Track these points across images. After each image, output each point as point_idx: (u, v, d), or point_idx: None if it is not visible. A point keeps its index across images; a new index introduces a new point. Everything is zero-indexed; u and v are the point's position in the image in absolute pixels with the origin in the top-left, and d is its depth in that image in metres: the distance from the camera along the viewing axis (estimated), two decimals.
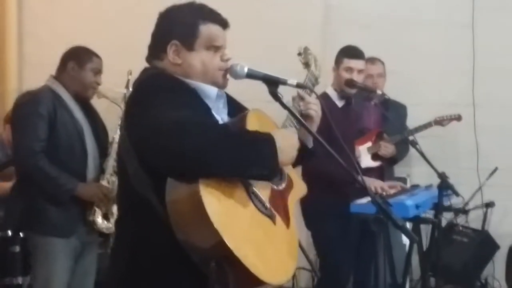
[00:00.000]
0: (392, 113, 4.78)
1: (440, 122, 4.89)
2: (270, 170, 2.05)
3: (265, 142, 2.05)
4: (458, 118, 4.92)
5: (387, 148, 4.69)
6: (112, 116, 3.96)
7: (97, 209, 3.56)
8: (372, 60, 4.79)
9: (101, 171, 3.62)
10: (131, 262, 2.13)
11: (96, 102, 3.85)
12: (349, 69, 4.06)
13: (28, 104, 3.50)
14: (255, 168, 2.00)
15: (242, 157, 1.98)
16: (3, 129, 4.82)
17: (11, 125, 3.72)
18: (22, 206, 3.52)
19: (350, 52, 4.11)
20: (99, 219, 3.57)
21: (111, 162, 3.64)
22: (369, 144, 4.75)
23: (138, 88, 2.18)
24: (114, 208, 3.60)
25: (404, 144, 4.75)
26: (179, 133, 1.93)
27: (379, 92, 4.38)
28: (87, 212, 3.54)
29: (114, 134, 3.75)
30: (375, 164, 4.66)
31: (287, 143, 2.11)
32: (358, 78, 4.07)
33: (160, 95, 2.06)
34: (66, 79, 3.58)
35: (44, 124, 3.44)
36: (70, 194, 3.44)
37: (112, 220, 3.60)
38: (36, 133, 3.43)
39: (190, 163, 1.92)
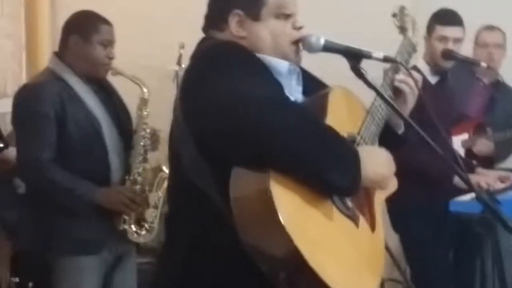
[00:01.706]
0: (502, 101, 4.71)
1: None
2: (351, 183, 2.01)
3: (350, 149, 2.05)
4: None
5: (484, 146, 4.59)
6: (131, 100, 3.77)
7: (126, 217, 3.48)
8: (490, 28, 4.74)
9: (126, 169, 3.54)
10: (187, 266, 2.13)
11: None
12: (444, 38, 4.02)
13: (29, 102, 3.40)
14: (336, 173, 1.97)
15: (325, 155, 1.97)
16: None
17: (13, 128, 3.61)
18: (34, 223, 3.46)
19: (444, 17, 4.06)
20: (132, 228, 3.52)
21: (137, 158, 3.55)
22: (465, 136, 4.66)
23: (200, 59, 2.17)
24: (148, 213, 3.58)
25: (508, 143, 4.66)
26: (253, 106, 1.92)
27: (483, 65, 4.29)
28: (116, 221, 3.47)
29: (137, 122, 3.63)
30: None
31: (373, 158, 2.10)
32: (454, 48, 4.02)
33: (228, 66, 2.05)
34: (70, 58, 3.45)
35: (51, 125, 3.33)
36: (91, 204, 3.36)
37: (147, 226, 3.58)
38: (42, 138, 3.34)
39: (262, 145, 1.91)
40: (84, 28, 3.45)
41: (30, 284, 4.31)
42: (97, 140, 3.42)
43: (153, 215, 3.60)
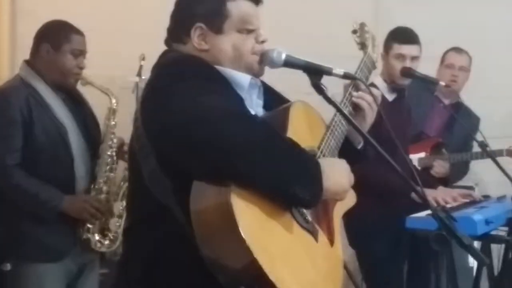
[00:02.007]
0: (461, 122, 4.78)
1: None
2: (313, 195, 2.04)
3: (312, 161, 2.07)
4: None
5: (440, 167, 4.65)
6: (100, 109, 3.78)
7: (90, 226, 3.49)
8: (458, 50, 4.86)
9: (92, 178, 3.55)
10: (145, 279, 2.13)
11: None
12: (401, 56, 4.05)
13: None
14: (297, 187, 1.99)
15: (287, 169, 1.98)
16: None
17: None
18: (1, 230, 3.44)
19: (401, 35, 4.09)
20: (95, 237, 3.51)
21: (103, 167, 3.57)
22: (422, 154, 4.73)
23: (161, 72, 2.18)
24: (112, 222, 3.59)
25: (464, 165, 4.74)
26: (213, 120, 1.93)
27: (441, 83, 4.34)
28: (79, 229, 3.48)
29: (105, 131, 3.67)
30: None
31: (334, 170, 2.13)
32: (411, 66, 4.05)
33: (188, 80, 2.06)
34: (41, 66, 3.47)
35: (17, 130, 3.34)
36: (55, 211, 3.36)
37: (111, 236, 3.58)
38: (8, 143, 3.33)
39: (223, 159, 1.92)
40: (55, 37, 3.47)
41: None
42: (63, 147, 3.43)
43: (117, 225, 3.61)
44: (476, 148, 4.74)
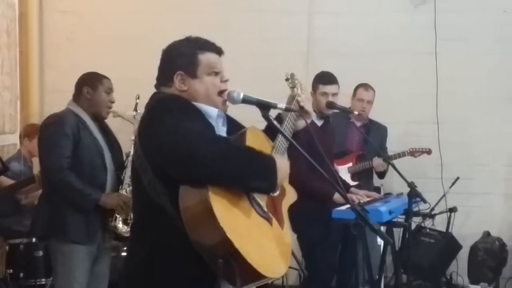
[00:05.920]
0: (373, 134, 4.90)
1: (412, 153, 4.98)
2: (271, 184, 2.11)
3: (269, 159, 2.12)
4: (429, 152, 5.03)
5: (380, 166, 4.82)
6: (124, 133, 3.88)
7: (118, 216, 3.49)
8: (366, 87, 4.91)
9: (118, 182, 3.55)
10: (147, 260, 2.13)
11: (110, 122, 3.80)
12: (325, 94, 4.05)
13: (55, 125, 3.42)
14: (258, 180, 2.07)
15: (248, 169, 2.05)
16: (22, 144, 4.88)
17: (38, 144, 3.56)
18: (48, 216, 3.42)
19: (324, 78, 4.10)
20: (120, 225, 3.51)
21: (128, 174, 3.57)
22: (349, 164, 4.83)
23: (152, 108, 2.20)
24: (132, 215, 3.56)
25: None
26: (192, 141, 1.98)
27: (355, 113, 4.40)
28: (109, 219, 3.48)
29: (129, 149, 3.76)
30: (353, 183, 4.67)
31: (283, 165, 2.19)
32: (332, 100, 4.07)
33: (172, 113, 2.10)
34: (83, 103, 3.49)
35: (69, 143, 3.37)
36: (95, 203, 3.37)
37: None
38: (63, 151, 3.36)
39: (201, 169, 1.97)
40: (92, 82, 3.52)
41: (21, 274, 4.20)
42: (100, 159, 3.45)
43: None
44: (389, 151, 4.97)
